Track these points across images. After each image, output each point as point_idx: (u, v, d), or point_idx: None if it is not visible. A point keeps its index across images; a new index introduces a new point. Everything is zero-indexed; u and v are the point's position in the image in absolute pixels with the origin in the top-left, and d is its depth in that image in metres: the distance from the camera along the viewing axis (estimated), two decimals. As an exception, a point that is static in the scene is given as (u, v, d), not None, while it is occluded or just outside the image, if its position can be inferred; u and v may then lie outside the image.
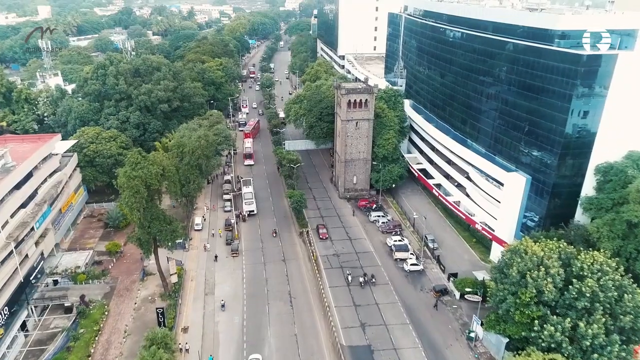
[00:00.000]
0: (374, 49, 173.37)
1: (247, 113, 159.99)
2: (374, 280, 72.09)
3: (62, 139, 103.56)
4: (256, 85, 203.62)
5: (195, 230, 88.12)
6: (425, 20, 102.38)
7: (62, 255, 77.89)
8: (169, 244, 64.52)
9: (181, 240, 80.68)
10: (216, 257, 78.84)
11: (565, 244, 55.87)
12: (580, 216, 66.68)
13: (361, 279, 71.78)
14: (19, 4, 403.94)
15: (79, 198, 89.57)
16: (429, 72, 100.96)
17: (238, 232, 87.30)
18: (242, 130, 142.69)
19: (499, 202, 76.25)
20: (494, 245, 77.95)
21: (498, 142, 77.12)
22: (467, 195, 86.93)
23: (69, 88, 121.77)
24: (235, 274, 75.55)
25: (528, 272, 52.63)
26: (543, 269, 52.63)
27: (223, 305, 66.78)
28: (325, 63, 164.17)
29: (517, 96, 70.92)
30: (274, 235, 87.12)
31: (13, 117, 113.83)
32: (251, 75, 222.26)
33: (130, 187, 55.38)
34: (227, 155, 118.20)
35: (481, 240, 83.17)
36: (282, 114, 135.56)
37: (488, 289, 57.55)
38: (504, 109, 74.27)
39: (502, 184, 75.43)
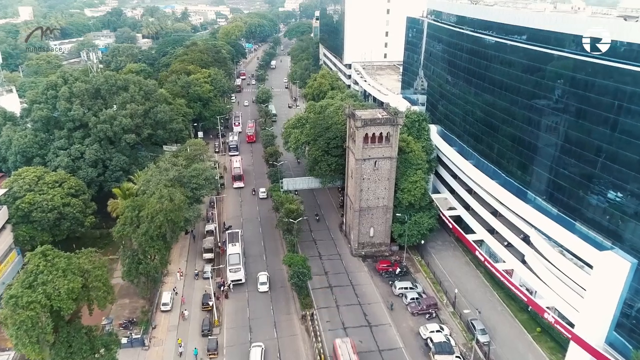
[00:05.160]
0: (385, 57, 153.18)
1: (239, 132, 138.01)
2: None
3: (2, 177, 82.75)
4: (253, 80, 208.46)
5: (162, 311, 65.77)
6: (461, 28, 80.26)
7: (-29, 362, 56.19)
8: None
9: (139, 336, 59.04)
10: None
11: None
12: None
13: None
14: (3, 5, 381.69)
15: (8, 267, 67.50)
16: (466, 95, 78.74)
17: (219, 315, 65.23)
18: (233, 155, 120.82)
19: (583, 288, 54.47)
20: (573, 345, 56.11)
21: (581, 203, 55.02)
22: (524, 262, 65.36)
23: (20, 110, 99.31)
24: (212, 392, 53.74)
25: None
26: None
27: None
28: (330, 75, 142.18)
29: (617, 143, 48.98)
30: (253, 193, 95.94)
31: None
32: (242, 78, 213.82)
33: (21, 322, 33.12)
34: (214, 189, 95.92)
35: (549, 330, 61.35)
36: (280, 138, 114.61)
37: None
38: (591, 158, 52.25)
39: (587, 264, 53.69)
